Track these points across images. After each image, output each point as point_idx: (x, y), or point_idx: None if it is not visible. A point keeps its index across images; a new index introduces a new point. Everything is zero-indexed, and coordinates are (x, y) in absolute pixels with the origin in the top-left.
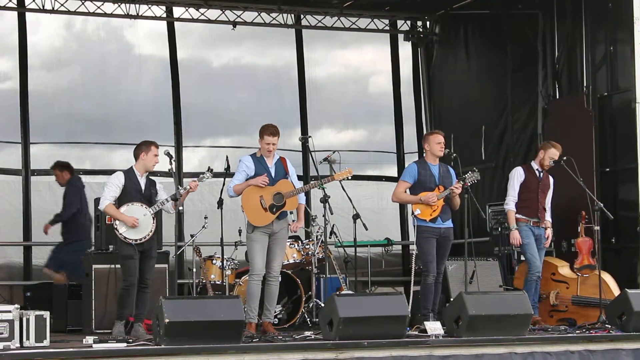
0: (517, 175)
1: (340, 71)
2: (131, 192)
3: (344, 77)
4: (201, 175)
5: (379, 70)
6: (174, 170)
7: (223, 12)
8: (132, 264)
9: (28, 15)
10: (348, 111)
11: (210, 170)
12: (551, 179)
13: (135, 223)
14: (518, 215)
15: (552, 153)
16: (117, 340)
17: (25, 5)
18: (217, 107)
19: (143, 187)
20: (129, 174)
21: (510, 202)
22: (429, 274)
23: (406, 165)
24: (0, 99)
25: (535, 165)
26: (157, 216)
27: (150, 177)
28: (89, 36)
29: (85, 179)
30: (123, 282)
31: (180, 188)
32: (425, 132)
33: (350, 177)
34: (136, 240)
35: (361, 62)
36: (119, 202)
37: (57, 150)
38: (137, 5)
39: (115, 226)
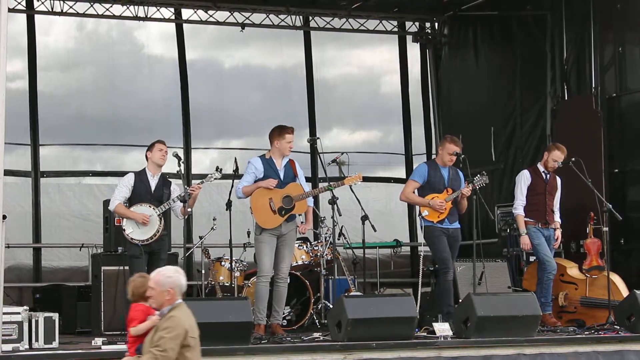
0: (523, 179)
1: (350, 72)
2: (141, 193)
3: (353, 78)
4: (209, 176)
5: (387, 71)
6: (183, 172)
7: (232, 14)
8: (137, 263)
9: (41, 16)
10: (357, 112)
11: (218, 170)
12: (559, 180)
13: (146, 220)
14: (526, 219)
15: (556, 155)
16: (126, 342)
17: (34, 7)
18: (228, 109)
19: (153, 188)
20: (140, 175)
21: (519, 207)
22: (449, 270)
23: (416, 166)
24: (10, 100)
25: (541, 167)
26: (166, 217)
27: (167, 178)
28: (101, 37)
29: (96, 180)
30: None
31: (187, 188)
32: (434, 133)
33: (359, 182)
34: (142, 240)
35: (370, 64)
36: (129, 203)
37: (67, 152)
38: (146, 7)
39: (123, 227)
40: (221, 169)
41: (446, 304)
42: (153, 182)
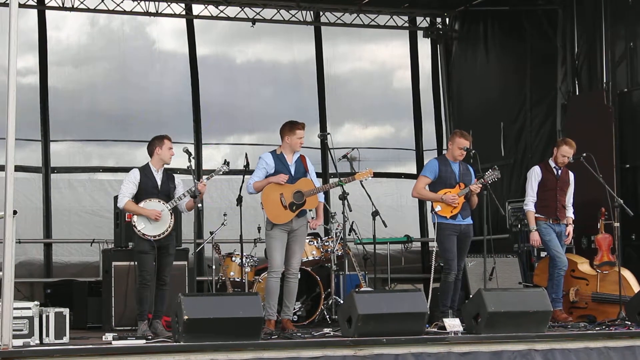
0: (534, 175)
1: (361, 68)
2: (147, 189)
3: (364, 74)
4: (217, 169)
5: (399, 67)
6: (193, 168)
7: (242, 10)
8: (146, 258)
9: (54, 12)
10: (369, 108)
11: (226, 163)
12: (571, 175)
13: (158, 216)
14: (537, 215)
15: (564, 150)
16: (136, 337)
17: (45, 3)
18: (239, 104)
19: (160, 183)
20: (145, 170)
21: (530, 203)
22: (450, 271)
23: (426, 161)
24: (21, 96)
25: (552, 162)
26: (176, 212)
27: (169, 172)
28: (113, 33)
29: (107, 176)
30: (138, 277)
31: (197, 182)
32: (445, 129)
33: (370, 177)
34: (154, 236)
35: (381, 59)
36: (136, 199)
37: (79, 148)
38: (157, 3)
39: (134, 223)
40: (228, 162)
41: (443, 304)
42: (158, 177)
